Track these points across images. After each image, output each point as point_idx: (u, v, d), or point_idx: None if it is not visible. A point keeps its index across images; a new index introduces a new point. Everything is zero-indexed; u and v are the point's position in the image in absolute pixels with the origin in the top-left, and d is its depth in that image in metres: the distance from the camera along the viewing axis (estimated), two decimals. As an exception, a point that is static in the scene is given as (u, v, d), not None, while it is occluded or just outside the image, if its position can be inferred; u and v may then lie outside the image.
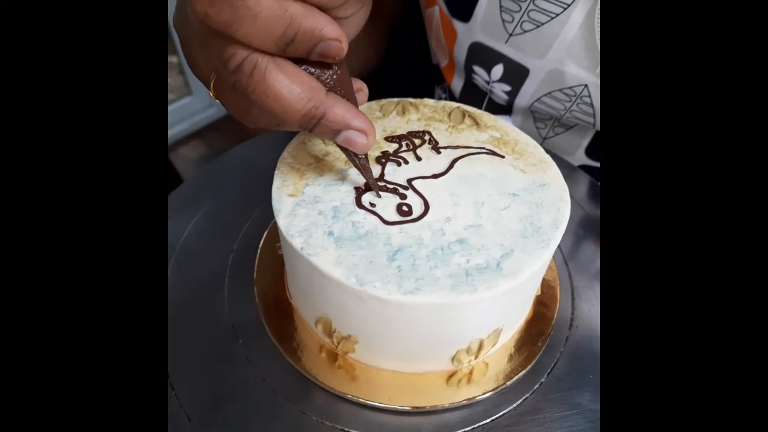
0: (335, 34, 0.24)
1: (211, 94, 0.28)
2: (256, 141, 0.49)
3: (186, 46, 0.27)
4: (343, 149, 0.29)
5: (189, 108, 1.77)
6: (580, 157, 0.50)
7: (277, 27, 0.23)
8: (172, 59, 1.67)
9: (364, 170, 0.30)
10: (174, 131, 1.72)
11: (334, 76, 0.26)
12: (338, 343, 0.32)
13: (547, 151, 0.35)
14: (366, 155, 0.30)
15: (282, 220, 0.29)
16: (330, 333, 0.32)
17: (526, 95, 0.46)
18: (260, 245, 0.39)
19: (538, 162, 0.34)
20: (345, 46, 0.25)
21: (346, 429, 0.30)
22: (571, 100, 0.43)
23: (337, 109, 0.26)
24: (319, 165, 0.33)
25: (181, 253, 0.38)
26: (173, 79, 1.74)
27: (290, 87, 0.24)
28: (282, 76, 0.24)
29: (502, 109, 0.50)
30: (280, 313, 0.35)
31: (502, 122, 0.37)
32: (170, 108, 1.68)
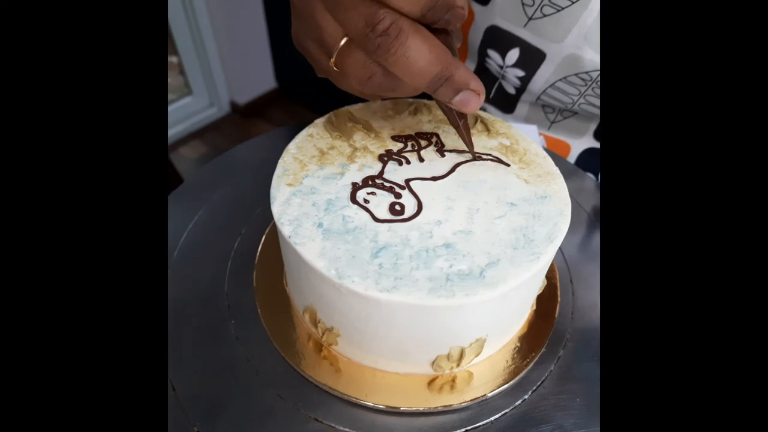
0: (462, 3, 0.27)
1: (330, 62, 0.29)
2: (256, 141, 0.50)
3: (310, 17, 0.28)
4: (447, 111, 0.31)
5: (189, 108, 1.85)
6: (587, 140, 0.49)
7: None
8: (172, 59, 1.74)
9: (466, 130, 0.32)
10: (174, 131, 1.79)
11: (451, 42, 0.29)
12: (323, 334, 0.33)
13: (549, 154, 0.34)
14: (467, 116, 0.33)
15: (276, 208, 0.30)
16: (315, 323, 0.33)
17: (540, 81, 0.46)
18: (262, 241, 0.40)
19: (545, 173, 0.33)
20: (466, 14, 0.27)
21: (320, 419, 0.31)
22: (586, 85, 0.43)
23: (462, 71, 0.28)
24: (322, 158, 0.33)
25: (181, 253, 0.40)
26: (173, 79, 1.81)
27: (427, 50, 0.26)
28: (421, 40, 0.26)
29: (511, 98, 0.50)
30: (276, 300, 0.36)
31: (515, 130, 0.36)
32: (170, 108, 1.75)
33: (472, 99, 0.28)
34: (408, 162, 0.33)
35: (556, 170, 0.34)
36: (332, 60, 0.29)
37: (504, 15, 0.44)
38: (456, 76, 0.27)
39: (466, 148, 0.34)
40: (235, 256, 0.39)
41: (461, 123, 0.32)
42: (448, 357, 0.31)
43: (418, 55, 0.26)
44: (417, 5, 0.25)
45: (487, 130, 0.36)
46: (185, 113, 1.85)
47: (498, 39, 0.46)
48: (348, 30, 0.27)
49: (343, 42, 0.28)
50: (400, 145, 0.34)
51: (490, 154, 0.34)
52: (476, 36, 0.47)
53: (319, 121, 0.36)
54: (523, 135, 0.36)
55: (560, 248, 0.41)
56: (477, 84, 0.28)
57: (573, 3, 0.39)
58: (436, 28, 0.27)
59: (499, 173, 0.33)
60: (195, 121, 1.87)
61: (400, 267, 0.27)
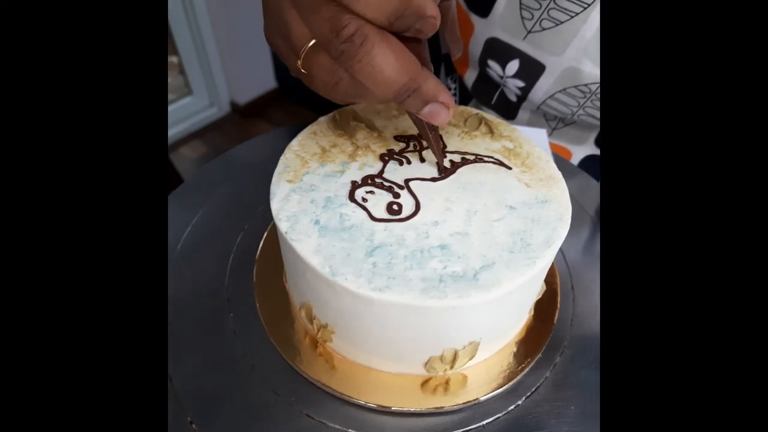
0: (433, 13, 0.26)
1: (297, 64, 0.29)
2: (256, 141, 0.52)
3: (279, 15, 0.29)
4: (417, 122, 0.32)
5: (189, 108, 1.89)
6: (589, 147, 0.51)
7: (393, 2, 0.25)
8: (172, 59, 1.78)
9: (436, 142, 0.34)
10: (174, 131, 1.84)
11: (422, 52, 0.29)
12: (318, 331, 0.34)
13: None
14: (438, 128, 0.34)
15: (275, 204, 0.32)
16: (311, 319, 0.34)
17: (539, 92, 0.48)
18: (263, 238, 0.42)
19: (546, 177, 0.35)
20: (438, 23, 0.27)
21: (312, 415, 0.32)
22: (585, 97, 0.45)
23: (430, 83, 0.28)
24: (324, 156, 0.35)
25: (182, 251, 0.41)
26: (173, 79, 1.85)
27: (394, 60, 0.26)
28: (388, 49, 0.26)
29: (512, 104, 0.52)
30: (275, 297, 0.38)
31: (519, 133, 0.38)
32: (170, 108, 1.79)
33: (441, 112, 0.29)
34: (409, 162, 0.35)
35: (558, 174, 0.35)
36: (299, 62, 0.29)
37: (504, 27, 0.46)
38: (424, 87, 0.28)
39: (468, 150, 0.36)
40: (237, 253, 0.41)
41: (431, 135, 0.33)
42: (441, 359, 0.32)
43: (385, 64, 0.26)
44: (383, 13, 0.25)
45: (491, 132, 0.38)
46: (185, 113, 1.89)
47: (498, 50, 0.48)
48: (313, 33, 0.27)
49: (310, 44, 0.28)
50: (402, 145, 0.36)
51: (492, 157, 0.36)
52: (477, 47, 0.50)
53: (323, 119, 0.38)
54: (527, 138, 0.37)
55: (562, 252, 0.42)
56: (446, 97, 0.29)
57: (572, 17, 0.41)
58: (407, 36, 0.28)
59: (500, 176, 0.35)
60: (195, 121, 1.91)
61: (394, 266, 0.29)
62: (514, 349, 0.36)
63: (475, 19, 0.48)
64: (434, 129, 0.33)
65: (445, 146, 0.36)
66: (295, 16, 0.28)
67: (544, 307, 0.38)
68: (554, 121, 0.52)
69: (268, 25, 0.31)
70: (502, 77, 0.50)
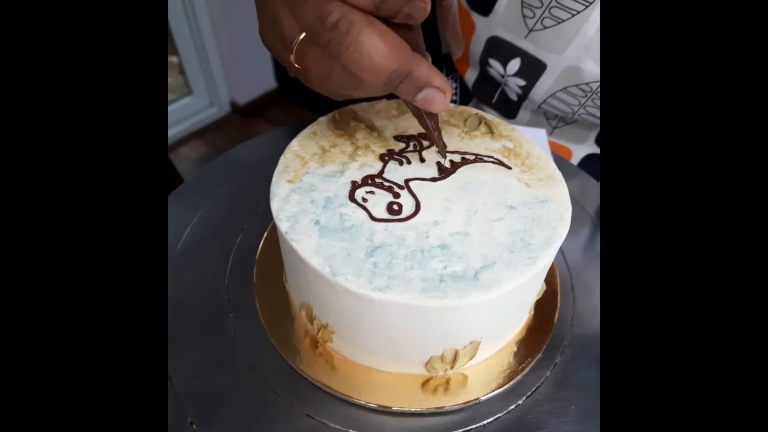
0: None
1: (291, 59, 0.29)
2: (256, 141, 0.52)
3: (270, 10, 0.29)
4: (415, 111, 0.32)
5: (189, 108, 1.90)
6: (589, 146, 0.51)
7: None
8: (172, 59, 1.78)
9: (436, 131, 0.33)
10: (174, 131, 1.85)
11: (416, 40, 0.29)
12: (318, 331, 0.34)
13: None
14: (437, 116, 0.33)
15: (275, 204, 0.32)
16: (311, 319, 0.34)
17: (540, 91, 0.48)
18: (263, 238, 0.42)
19: (546, 177, 0.35)
20: (428, 8, 0.27)
21: (312, 415, 0.32)
22: (586, 96, 0.45)
23: (422, 68, 0.27)
24: (324, 156, 0.35)
25: (183, 251, 0.42)
26: (173, 79, 1.86)
27: (382, 45, 0.26)
28: (375, 35, 0.26)
29: (513, 104, 0.52)
30: (275, 297, 0.38)
31: (519, 133, 0.38)
32: (170, 108, 1.80)
33: (436, 97, 0.28)
34: (409, 162, 0.35)
35: (558, 174, 0.35)
36: (292, 56, 0.29)
37: (505, 26, 0.46)
38: (416, 72, 0.27)
39: (468, 150, 0.36)
40: (237, 253, 0.41)
41: (431, 124, 0.32)
42: (442, 358, 0.32)
43: (372, 50, 0.26)
44: None
45: (491, 132, 0.38)
46: (185, 113, 1.90)
47: (499, 49, 0.49)
48: (302, 25, 0.27)
49: (300, 38, 0.28)
50: (402, 145, 0.36)
51: (492, 157, 0.36)
52: (478, 46, 0.50)
53: (323, 119, 0.38)
54: (527, 138, 0.38)
55: (562, 252, 0.42)
56: (441, 81, 0.28)
57: (573, 15, 0.42)
58: (399, 23, 0.27)
59: (500, 176, 0.35)
60: (195, 121, 1.92)
61: (395, 266, 0.29)
62: (515, 349, 0.36)
63: (476, 17, 0.48)
64: (433, 117, 0.33)
65: (445, 146, 0.36)
66: (285, 10, 0.28)
67: (544, 307, 0.38)
68: (555, 120, 0.52)
69: (263, 27, 0.31)
70: (503, 76, 0.50)
